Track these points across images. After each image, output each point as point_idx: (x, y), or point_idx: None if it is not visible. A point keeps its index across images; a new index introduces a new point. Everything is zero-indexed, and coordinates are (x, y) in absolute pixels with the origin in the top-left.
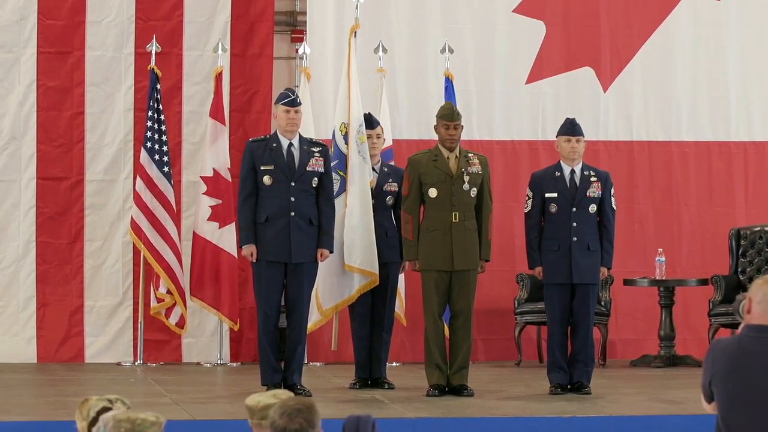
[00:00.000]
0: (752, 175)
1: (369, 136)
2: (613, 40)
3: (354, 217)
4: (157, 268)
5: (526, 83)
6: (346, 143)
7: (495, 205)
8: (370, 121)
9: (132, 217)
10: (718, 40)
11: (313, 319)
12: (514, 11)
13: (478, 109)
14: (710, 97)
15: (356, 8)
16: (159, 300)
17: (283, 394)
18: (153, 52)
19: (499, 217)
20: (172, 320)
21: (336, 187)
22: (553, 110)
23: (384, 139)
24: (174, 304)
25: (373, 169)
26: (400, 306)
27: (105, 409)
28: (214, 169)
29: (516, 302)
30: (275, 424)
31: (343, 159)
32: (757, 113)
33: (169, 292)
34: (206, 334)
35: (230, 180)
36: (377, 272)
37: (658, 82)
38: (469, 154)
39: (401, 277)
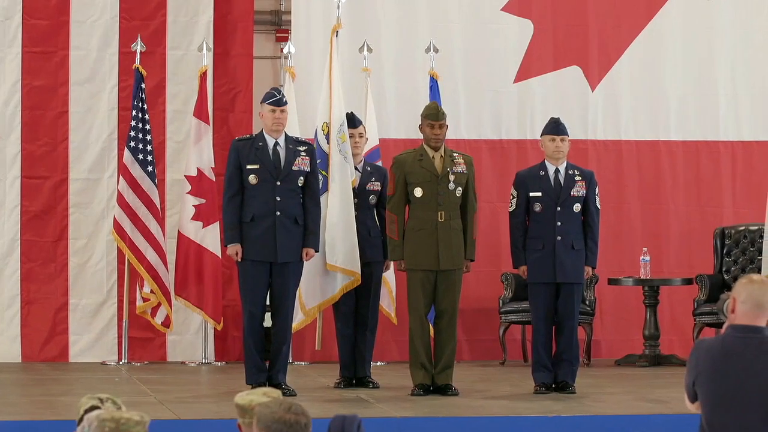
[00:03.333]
0: (740, 174)
1: (351, 135)
2: (601, 38)
3: (335, 215)
4: (139, 268)
5: (514, 82)
6: (328, 143)
7: (482, 204)
8: (353, 120)
9: (114, 217)
10: (707, 39)
11: (298, 319)
12: (502, 10)
13: (466, 108)
14: (699, 97)
15: (338, 8)
16: (144, 299)
17: (273, 392)
18: (137, 52)
19: (487, 216)
20: (158, 319)
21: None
22: (541, 109)
23: (367, 139)
24: (159, 304)
25: (356, 168)
26: (391, 305)
27: (93, 408)
28: (198, 169)
29: (501, 302)
30: (282, 419)
31: (326, 158)
32: (746, 113)
33: (152, 291)
34: (191, 332)
35: (214, 179)
36: (359, 271)
37: (647, 81)
38: (454, 154)
39: (393, 275)
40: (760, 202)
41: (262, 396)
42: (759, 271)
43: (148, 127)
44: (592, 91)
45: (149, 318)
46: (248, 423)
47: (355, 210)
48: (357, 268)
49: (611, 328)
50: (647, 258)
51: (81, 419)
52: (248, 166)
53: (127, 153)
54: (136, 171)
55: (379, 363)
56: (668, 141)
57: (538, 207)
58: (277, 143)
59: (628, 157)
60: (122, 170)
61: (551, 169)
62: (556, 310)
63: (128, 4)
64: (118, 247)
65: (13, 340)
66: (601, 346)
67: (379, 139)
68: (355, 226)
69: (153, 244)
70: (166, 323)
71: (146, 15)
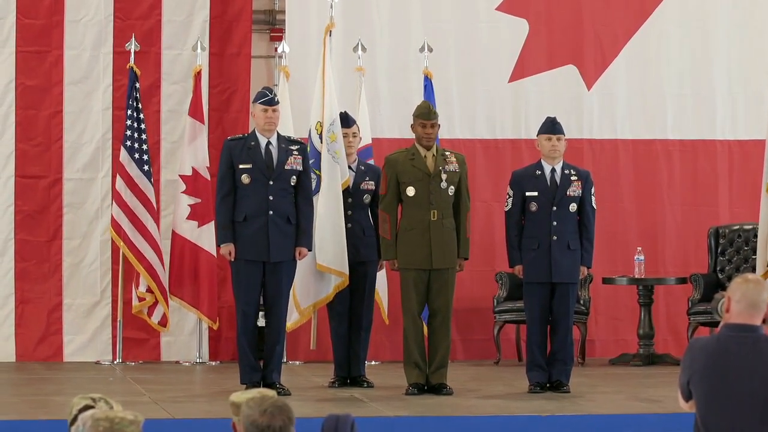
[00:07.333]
0: (736, 173)
1: (345, 135)
2: (597, 37)
3: (324, 215)
4: (137, 266)
5: (509, 81)
6: (322, 142)
7: (477, 204)
8: (346, 120)
9: (112, 215)
10: (703, 37)
11: (292, 318)
12: (496, 9)
13: (461, 107)
14: (695, 96)
15: (331, 7)
16: (140, 299)
17: (269, 392)
18: (132, 51)
19: (481, 215)
20: (155, 319)
21: (312, 186)
22: (536, 109)
23: (360, 138)
24: (156, 303)
25: (350, 167)
26: (380, 305)
27: (87, 408)
28: (192, 168)
29: (495, 301)
30: (256, 422)
31: (319, 158)
32: (742, 111)
33: (149, 290)
34: (185, 332)
35: (209, 179)
36: (347, 272)
37: (643, 80)
38: (446, 153)
39: (382, 276)
40: (755, 201)
41: (257, 395)
42: (753, 270)
43: (143, 126)
44: (588, 90)
45: (146, 317)
46: None
47: (350, 209)
48: (345, 268)
49: (606, 328)
50: (642, 257)
51: (74, 419)
52: (241, 166)
53: (123, 152)
54: (133, 170)
55: (373, 362)
56: (664, 140)
57: (534, 206)
58: (269, 143)
59: (624, 156)
60: (119, 169)
61: (547, 169)
62: (551, 309)
63: (123, 3)
64: (112, 247)
65: (6, 340)
66: (596, 345)
67: (373, 138)
68: (344, 226)
69: (151, 243)
70: (163, 322)
71: (141, 14)
